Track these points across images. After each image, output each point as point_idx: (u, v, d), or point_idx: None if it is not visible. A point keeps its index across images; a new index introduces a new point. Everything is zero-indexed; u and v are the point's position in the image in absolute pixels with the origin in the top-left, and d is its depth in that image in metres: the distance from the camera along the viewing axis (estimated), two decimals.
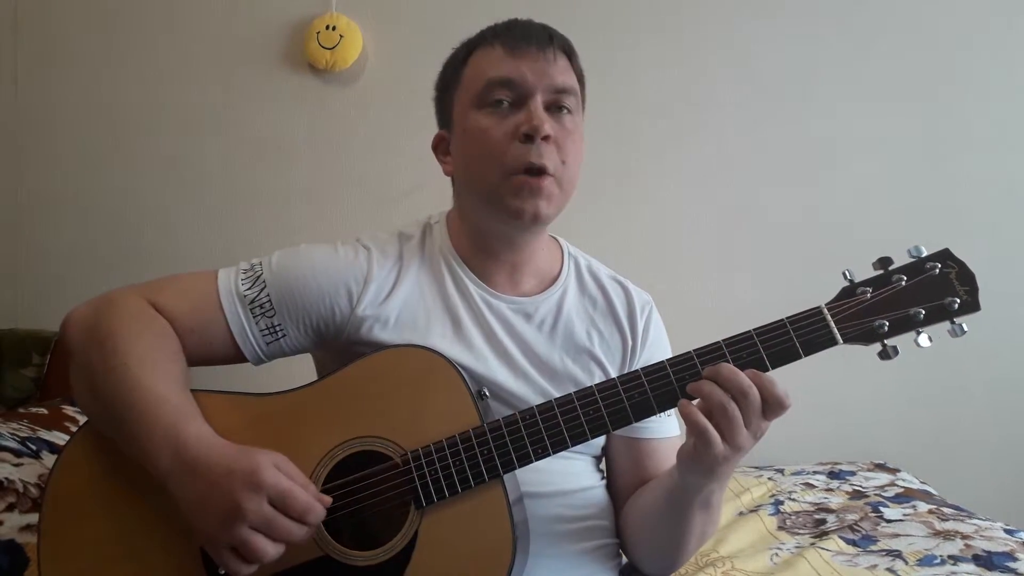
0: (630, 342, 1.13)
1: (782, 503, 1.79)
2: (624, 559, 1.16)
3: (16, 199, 2.30)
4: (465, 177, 1.08)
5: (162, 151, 2.28)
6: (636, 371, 0.90)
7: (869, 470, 2.03)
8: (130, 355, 0.93)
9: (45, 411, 1.77)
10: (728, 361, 0.87)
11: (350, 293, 1.04)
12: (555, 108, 1.04)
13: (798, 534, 1.61)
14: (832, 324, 0.87)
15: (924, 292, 0.86)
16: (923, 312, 0.86)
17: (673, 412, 1.09)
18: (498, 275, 1.10)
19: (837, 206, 2.23)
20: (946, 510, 1.69)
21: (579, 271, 1.17)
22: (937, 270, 0.87)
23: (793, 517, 1.70)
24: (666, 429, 1.11)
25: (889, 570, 1.39)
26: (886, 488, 1.86)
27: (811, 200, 2.24)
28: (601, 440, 1.12)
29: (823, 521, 1.66)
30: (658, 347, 1.15)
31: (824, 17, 2.23)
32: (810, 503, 1.78)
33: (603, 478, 1.14)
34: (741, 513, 1.76)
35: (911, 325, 0.86)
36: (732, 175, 2.24)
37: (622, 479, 1.12)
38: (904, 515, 1.66)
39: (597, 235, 2.11)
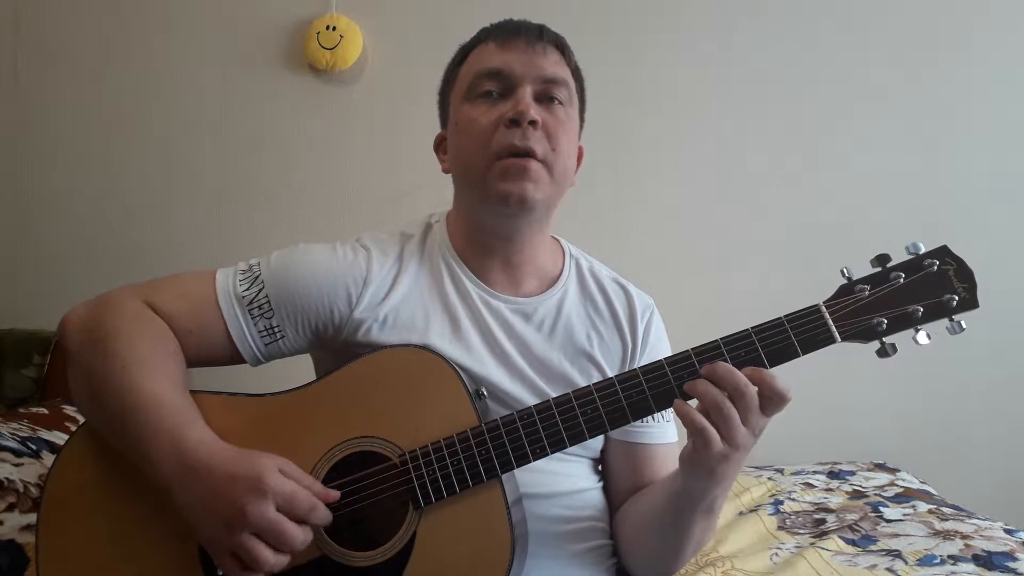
0: (630, 345, 1.12)
1: (782, 503, 1.79)
2: None
3: (16, 199, 2.30)
4: (457, 169, 1.09)
5: (162, 151, 2.28)
6: (634, 370, 0.90)
7: (869, 470, 2.03)
8: (129, 357, 0.92)
9: (45, 411, 1.77)
10: (726, 359, 0.87)
11: (349, 294, 1.04)
12: (546, 99, 1.04)
13: (798, 534, 1.61)
14: (830, 322, 0.87)
15: (922, 289, 0.86)
16: (921, 309, 0.86)
17: (672, 418, 1.09)
18: (497, 275, 1.10)
19: (836, 205, 2.23)
20: (946, 510, 1.68)
21: (580, 273, 1.16)
22: (935, 267, 0.86)
23: (793, 517, 1.70)
24: (664, 435, 1.11)
25: (889, 570, 1.39)
26: (886, 488, 1.86)
27: (810, 199, 2.24)
28: (600, 442, 1.12)
29: (823, 521, 1.66)
30: (658, 351, 1.14)
31: (824, 17, 2.22)
32: (810, 503, 1.78)
33: (600, 480, 1.14)
34: (741, 513, 1.76)
35: (909, 322, 0.86)
36: (731, 174, 2.24)
37: (618, 483, 1.12)
38: (904, 515, 1.65)
39: (595, 235, 2.10)
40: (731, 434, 0.84)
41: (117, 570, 0.94)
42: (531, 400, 1.01)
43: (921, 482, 1.94)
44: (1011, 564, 1.38)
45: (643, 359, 1.12)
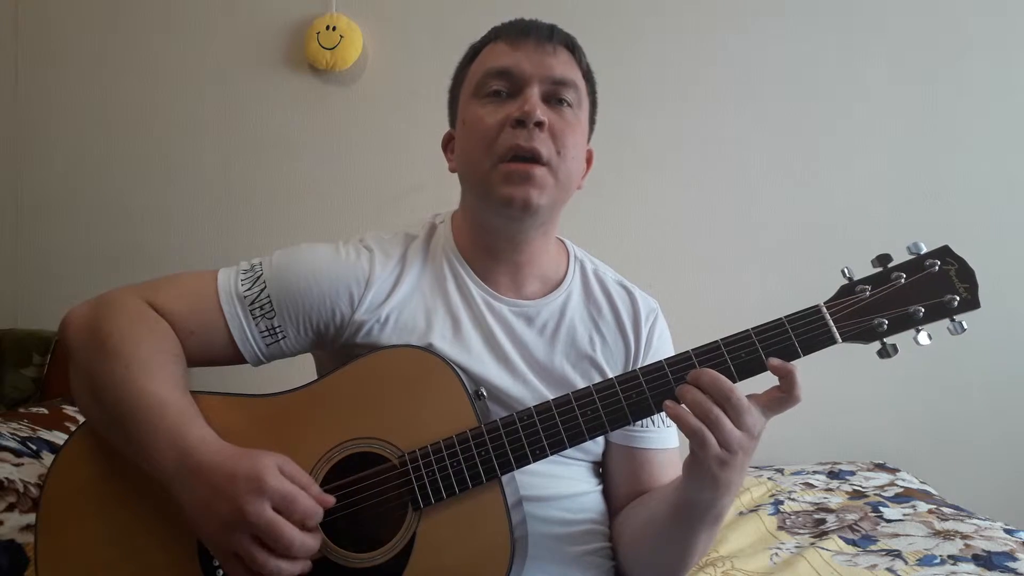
0: (633, 349, 1.12)
1: (782, 503, 1.79)
2: None
3: (16, 199, 2.29)
4: (463, 169, 1.08)
5: (162, 151, 2.28)
6: (634, 371, 0.90)
7: (869, 470, 2.03)
8: (131, 357, 0.92)
9: (45, 411, 1.77)
10: (727, 360, 0.87)
11: (351, 295, 1.04)
12: (554, 100, 1.03)
13: (798, 534, 1.60)
14: (831, 323, 0.86)
15: (923, 290, 0.86)
16: (922, 310, 0.85)
17: (673, 424, 1.09)
18: (501, 276, 1.10)
19: (837, 205, 2.23)
20: (946, 510, 1.68)
21: (585, 275, 1.16)
22: (937, 267, 0.86)
23: (793, 517, 1.70)
24: (665, 440, 1.11)
25: (889, 570, 1.39)
26: (886, 488, 1.86)
27: (811, 199, 2.24)
28: (600, 445, 1.11)
29: (823, 521, 1.66)
30: (662, 355, 1.11)
31: (824, 17, 2.22)
32: (810, 503, 1.78)
33: (600, 483, 1.13)
34: (741, 513, 1.76)
35: (911, 323, 0.86)
36: (732, 175, 2.24)
37: (618, 488, 1.11)
38: (904, 515, 1.65)
39: (596, 235, 2.11)
40: (725, 438, 0.83)
41: (116, 570, 0.94)
42: (532, 402, 1.00)
43: (921, 482, 1.94)
44: (1011, 564, 1.38)
45: (646, 363, 1.11)
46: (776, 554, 1.51)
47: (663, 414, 0.89)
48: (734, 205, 2.24)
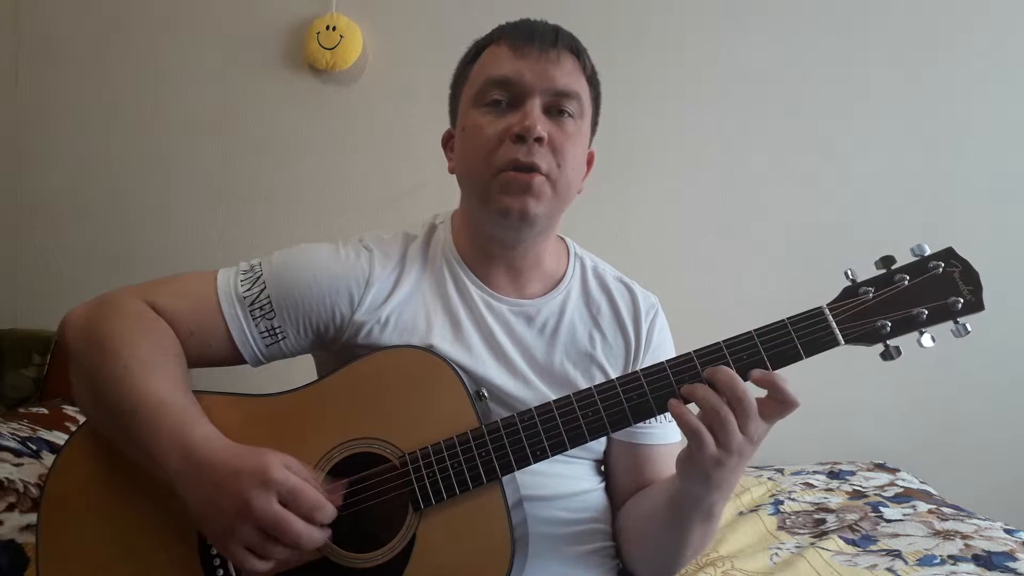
0: (633, 346, 1.12)
1: (782, 503, 1.79)
2: None
3: (16, 199, 2.29)
4: (462, 174, 1.08)
5: (162, 151, 2.27)
6: (635, 372, 0.90)
7: (869, 470, 2.03)
8: (132, 358, 0.92)
9: (45, 411, 1.77)
10: (729, 362, 0.86)
11: (351, 295, 1.04)
12: (555, 111, 1.02)
13: (798, 534, 1.60)
14: (834, 325, 0.86)
15: (927, 292, 0.86)
16: (926, 312, 0.85)
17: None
18: (500, 277, 1.10)
19: (838, 205, 2.23)
20: (946, 510, 1.68)
21: (584, 273, 1.16)
22: (940, 269, 0.86)
23: (793, 517, 1.70)
24: (667, 435, 1.11)
25: (889, 570, 1.39)
26: (886, 488, 1.86)
27: (812, 199, 2.24)
28: (602, 444, 1.11)
29: (823, 521, 1.66)
30: (662, 351, 1.13)
31: (824, 17, 2.22)
32: (810, 503, 1.78)
33: (603, 481, 1.13)
34: (741, 513, 1.76)
35: (914, 325, 0.85)
36: (733, 175, 2.24)
37: (620, 483, 1.12)
38: (904, 515, 1.65)
39: (597, 235, 2.11)
40: (727, 440, 0.83)
41: (117, 570, 0.94)
42: (533, 402, 1.00)
43: (921, 482, 1.94)
44: (1011, 564, 1.38)
45: (646, 359, 1.11)
46: (776, 554, 1.51)
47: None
48: (735, 205, 2.24)
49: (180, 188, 2.27)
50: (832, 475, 1.99)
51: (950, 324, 0.85)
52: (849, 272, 0.88)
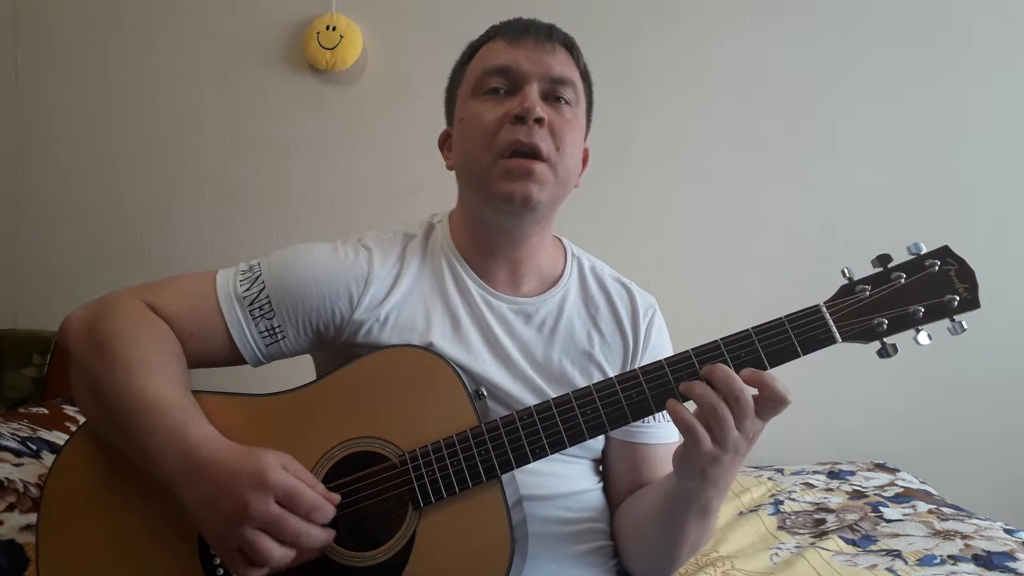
0: (631, 345, 1.12)
1: (782, 503, 1.79)
2: None
3: (16, 199, 2.29)
4: (461, 166, 1.08)
5: (162, 151, 2.28)
6: (634, 371, 0.90)
7: (869, 470, 2.03)
8: (132, 359, 0.92)
9: (45, 411, 1.77)
10: (726, 360, 0.87)
11: (351, 295, 1.04)
12: (552, 98, 1.04)
13: (798, 534, 1.61)
14: (831, 322, 0.86)
15: (923, 290, 0.86)
16: (922, 310, 0.85)
17: None
18: (499, 274, 1.10)
19: (837, 205, 2.23)
20: (946, 510, 1.68)
21: (582, 272, 1.16)
22: (937, 267, 0.86)
23: (793, 517, 1.70)
24: (665, 435, 1.11)
25: (889, 570, 1.39)
26: (886, 488, 1.86)
27: (811, 199, 2.24)
28: (601, 443, 1.12)
29: (823, 521, 1.66)
30: (660, 351, 1.13)
31: (824, 17, 2.22)
32: (810, 503, 1.78)
33: (601, 481, 1.13)
34: (741, 513, 1.76)
35: (910, 323, 0.86)
36: (732, 174, 2.24)
37: (618, 483, 1.12)
38: (904, 515, 1.66)
39: (596, 234, 2.11)
40: (723, 437, 0.83)
41: (117, 570, 0.94)
42: (531, 400, 1.00)
43: (921, 482, 1.94)
44: (1011, 564, 1.38)
45: (644, 359, 1.11)
46: (776, 554, 1.51)
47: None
48: (734, 205, 2.24)
49: (180, 188, 2.28)
50: (832, 475, 1.99)
51: (946, 322, 0.86)
52: (846, 270, 0.89)
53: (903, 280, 0.86)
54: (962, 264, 0.86)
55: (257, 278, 1.03)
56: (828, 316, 0.86)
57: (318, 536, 0.86)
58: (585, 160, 1.14)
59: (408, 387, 0.95)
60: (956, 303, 0.85)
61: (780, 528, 1.65)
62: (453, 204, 1.17)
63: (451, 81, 1.14)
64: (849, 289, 0.88)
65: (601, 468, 1.15)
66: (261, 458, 0.85)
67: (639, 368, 0.90)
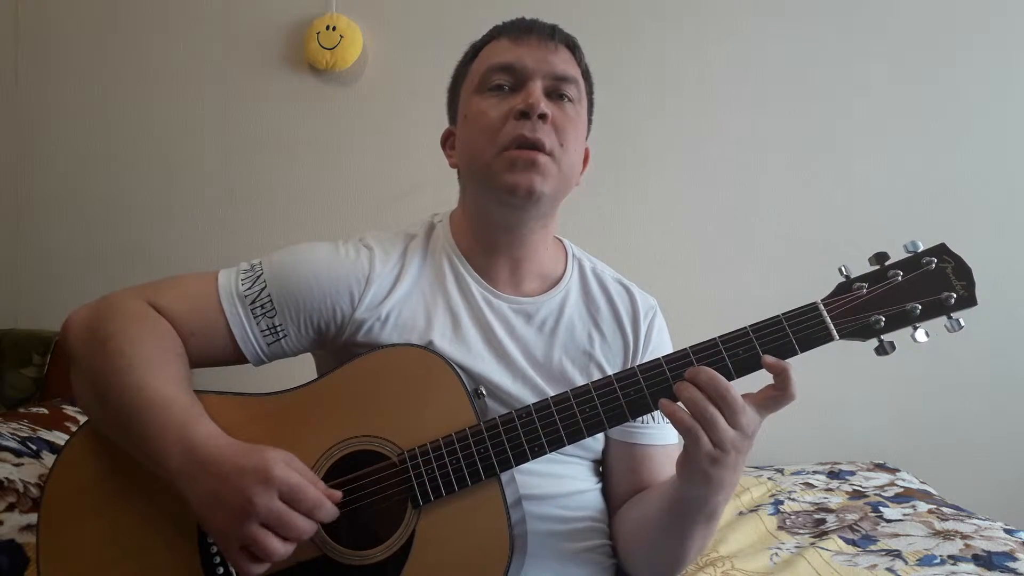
0: (632, 346, 1.12)
1: (782, 503, 1.79)
2: None
3: (16, 199, 2.30)
4: (465, 162, 1.09)
5: (162, 151, 2.28)
6: (632, 369, 0.90)
7: (869, 470, 2.03)
8: (134, 357, 0.93)
9: (45, 411, 1.77)
10: (725, 358, 0.87)
11: (352, 294, 1.04)
12: (556, 95, 1.05)
13: (798, 534, 1.60)
14: (828, 320, 0.86)
15: (920, 287, 0.86)
16: (920, 307, 0.86)
17: None
18: (500, 273, 1.10)
19: (837, 205, 2.23)
20: (946, 510, 1.68)
21: (583, 273, 1.16)
22: (933, 265, 0.86)
23: (793, 517, 1.70)
24: (664, 436, 1.11)
25: (889, 570, 1.39)
26: (886, 488, 1.86)
27: (811, 199, 2.24)
28: (600, 443, 1.12)
29: (823, 521, 1.66)
30: (660, 352, 1.12)
31: (824, 16, 2.23)
32: (810, 503, 1.78)
33: (600, 481, 1.14)
34: (741, 513, 1.76)
35: (907, 320, 0.86)
36: (732, 175, 2.24)
37: (618, 484, 1.12)
38: (904, 515, 1.65)
39: (597, 234, 2.12)
40: (719, 437, 0.84)
41: (117, 569, 0.95)
42: (531, 400, 1.00)
43: (921, 482, 1.94)
44: (1011, 564, 1.38)
45: (645, 360, 1.11)
46: (776, 554, 1.51)
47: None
48: (734, 205, 2.24)
49: (180, 188, 2.28)
50: (832, 475, 1.98)
51: (943, 319, 0.86)
52: (843, 268, 0.89)
53: (900, 277, 0.87)
54: (959, 261, 0.87)
55: (259, 277, 1.04)
56: (825, 313, 0.87)
57: (314, 529, 0.87)
58: (586, 160, 1.15)
59: (408, 386, 0.96)
60: (953, 300, 0.85)
61: (780, 528, 1.65)
62: (453, 204, 1.17)
63: (454, 80, 1.15)
64: (846, 287, 0.88)
65: (601, 469, 1.15)
66: (264, 454, 0.86)
67: (637, 366, 0.90)
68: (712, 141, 2.24)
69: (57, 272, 2.28)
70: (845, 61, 2.22)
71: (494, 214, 1.07)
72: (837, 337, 0.87)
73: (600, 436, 1.10)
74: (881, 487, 1.87)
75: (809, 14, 2.23)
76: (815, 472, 2.01)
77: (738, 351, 0.87)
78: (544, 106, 1.01)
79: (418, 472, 0.91)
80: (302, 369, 1.15)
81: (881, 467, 2.06)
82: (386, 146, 2.25)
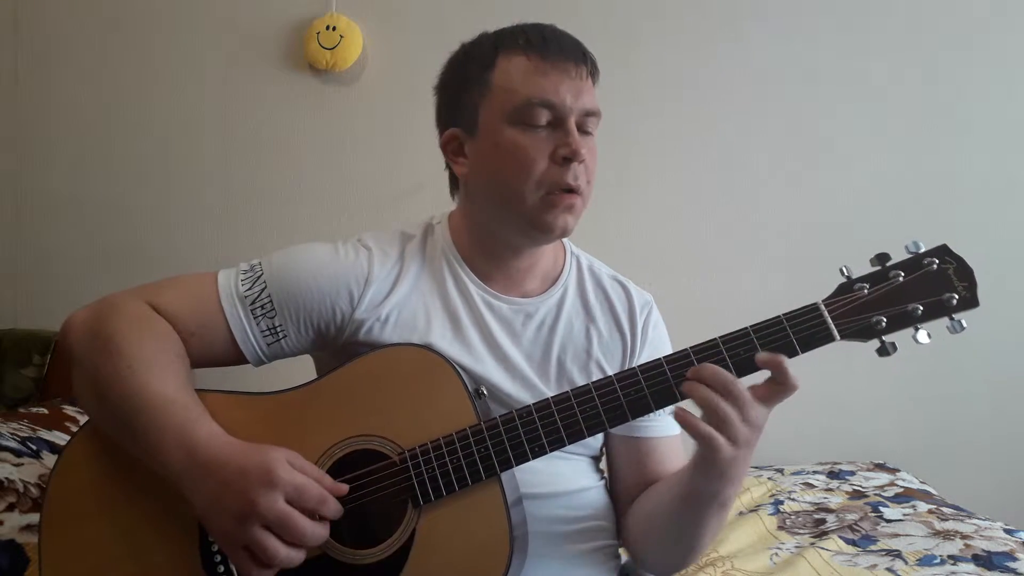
0: (630, 343, 1.12)
1: (782, 503, 1.79)
2: (622, 559, 1.16)
3: (16, 199, 2.30)
4: (492, 189, 1.05)
5: (162, 151, 2.28)
6: (633, 369, 0.90)
7: (869, 470, 2.03)
8: (135, 358, 0.93)
9: (45, 411, 1.77)
10: (725, 358, 0.87)
11: (351, 294, 1.04)
12: (583, 130, 1.03)
13: (798, 534, 1.61)
14: (829, 320, 0.86)
15: (922, 288, 0.86)
16: (921, 308, 0.85)
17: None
18: (500, 276, 1.10)
19: (836, 205, 2.23)
20: (946, 510, 1.68)
21: (580, 271, 1.16)
22: (935, 266, 0.86)
23: (793, 517, 1.70)
24: (666, 428, 1.11)
25: (889, 570, 1.39)
26: (886, 488, 1.86)
27: (811, 199, 2.24)
28: (599, 439, 1.12)
29: (823, 521, 1.66)
30: (658, 347, 1.14)
31: (824, 17, 2.23)
32: (810, 503, 1.78)
33: (602, 478, 1.14)
34: (741, 513, 1.76)
35: (909, 321, 0.86)
36: (732, 175, 2.24)
37: (624, 480, 1.12)
38: (904, 515, 1.66)
39: (596, 234, 2.10)
40: (734, 434, 0.84)
41: (119, 568, 0.95)
42: (531, 400, 1.00)
43: (921, 482, 1.94)
44: (1011, 564, 1.38)
45: (643, 356, 1.12)
46: (776, 554, 1.51)
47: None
48: (735, 205, 2.24)
49: (180, 188, 2.28)
50: (832, 475, 1.99)
51: (945, 320, 0.86)
52: (844, 269, 0.89)
53: (901, 278, 0.87)
54: (960, 262, 0.87)
55: (259, 277, 1.04)
56: (827, 314, 0.87)
57: (324, 535, 0.87)
58: None
59: (408, 385, 0.95)
60: (955, 301, 0.85)
61: (780, 528, 1.65)
62: (453, 205, 1.17)
63: (462, 81, 1.08)
64: (847, 287, 0.88)
65: (602, 465, 1.15)
66: (268, 454, 0.86)
67: (638, 366, 0.90)
68: (712, 142, 2.24)
69: (57, 272, 2.28)
70: (845, 61, 2.22)
71: (511, 239, 1.07)
72: (838, 338, 0.87)
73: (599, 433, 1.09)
74: (881, 487, 1.87)
75: (809, 14, 2.23)
76: (815, 472, 2.01)
77: (739, 351, 0.87)
78: (584, 152, 1.01)
79: (419, 471, 0.91)
80: (302, 369, 1.15)
81: (881, 467, 2.06)
82: (386, 146, 2.25)
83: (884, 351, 0.87)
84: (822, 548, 1.50)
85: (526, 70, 1.02)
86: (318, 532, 0.86)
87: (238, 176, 2.28)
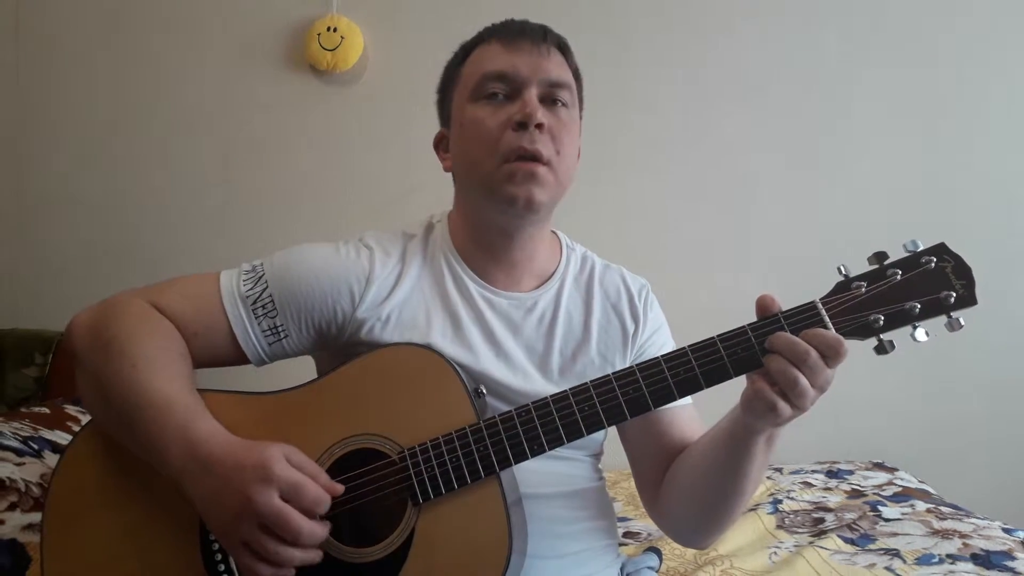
0: (631, 328, 1.13)
1: (781, 502, 1.79)
2: (623, 559, 1.16)
3: (16, 199, 2.30)
4: (462, 169, 1.09)
5: (162, 151, 2.28)
6: (631, 368, 0.90)
7: (867, 469, 2.04)
8: (138, 357, 0.93)
9: (47, 410, 1.77)
10: (723, 356, 0.87)
11: (352, 293, 1.04)
12: (550, 101, 1.05)
13: (797, 533, 1.61)
14: (827, 318, 0.86)
15: (920, 286, 0.86)
16: (919, 306, 0.85)
17: None
18: (498, 273, 1.10)
19: (836, 205, 2.23)
20: (944, 509, 1.69)
21: (576, 263, 1.17)
22: (933, 264, 0.86)
23: (792, 516, 1.70)
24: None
25: (887, 569, 1.39)
26: (884, 487, 1.87)
27: (811, 199, 2.24)
28: (600, 437, 1.12)
29: (822, 520, 1.66)
30: (658, 329, 1.15)
31: (824, 17, 2.23)
32: (809, 502, 1.78)
33: (602, 478, 1.14)
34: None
35: (907, 319, 0.86)
36: (731, 174, 2.25)
37: (647, 459, 1.12)
38: (902, 514, 1.66)
39: (594, 234, 2.10)
40: (802, 400, 0.84)
41: (121, 566, 0.95)
42: (533, 395, 1.00)
43: (920, 481, 1.94)
44: (1009, 563, 1.39)
45: (643, 338, 1.13)
46: (775, 553, 1.51)
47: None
48: (734, 205, 2.25)
49: (181, 188, 2.28)
50: (831, 474, 1.99)
51: (943, 318, 0.86)
52: (842, 267, 0.89)
53: (899, 276, 0.86)
54: (958, 261, 0.86)
55: (260, 278, 1.04)
56: (824, 312, 0.87)
57: (321, 533, 0.87)
58: (577, 157, 1.15)
59: (408, 384, 0.96)
60: (953, 299, 0.85)
61: (779, 527, 1.65)
62: (452, 204, 1.18)
63: (444, 82, 1.15)
64: (845, 285, 0.88)
65: (601, 465, 1.15)
66: (265, 451, 0.86)
67: (636, 365, 0.90)
68: (711, 142, 2.24)
69: (59, 272, 2.28)
70: (845, 61, 2.23)
71: (492, 220, 1.08)
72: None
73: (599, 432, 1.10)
74: (880, 486, 1.88)
75: (809, 14, 2.23)
76: (814, 471, 2.02)
77: (736, 349, 0.87)
78: (541, 115, 1.01)
79: (418, 470, 0.91)
80: (302, 369, 1.15)
81: (880, 466, 2.07)
82: (386, 146, 2.25)
83: (882, 349, 0.87)
84: (821, 547, 1.50)
85: (487, 53, 1.07)
86: (315, 531, 0.86)
87: (238, 176, 2.28)
